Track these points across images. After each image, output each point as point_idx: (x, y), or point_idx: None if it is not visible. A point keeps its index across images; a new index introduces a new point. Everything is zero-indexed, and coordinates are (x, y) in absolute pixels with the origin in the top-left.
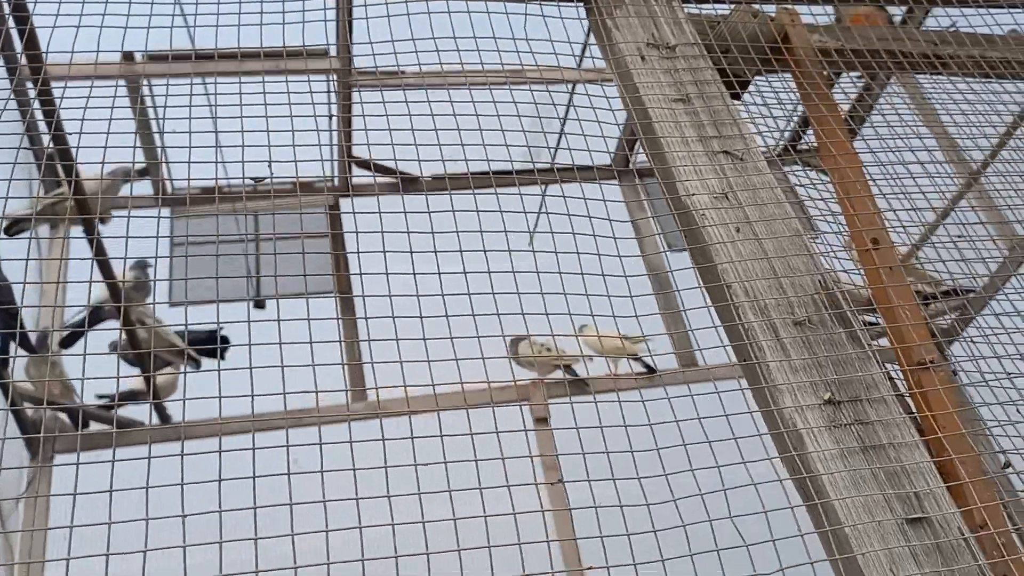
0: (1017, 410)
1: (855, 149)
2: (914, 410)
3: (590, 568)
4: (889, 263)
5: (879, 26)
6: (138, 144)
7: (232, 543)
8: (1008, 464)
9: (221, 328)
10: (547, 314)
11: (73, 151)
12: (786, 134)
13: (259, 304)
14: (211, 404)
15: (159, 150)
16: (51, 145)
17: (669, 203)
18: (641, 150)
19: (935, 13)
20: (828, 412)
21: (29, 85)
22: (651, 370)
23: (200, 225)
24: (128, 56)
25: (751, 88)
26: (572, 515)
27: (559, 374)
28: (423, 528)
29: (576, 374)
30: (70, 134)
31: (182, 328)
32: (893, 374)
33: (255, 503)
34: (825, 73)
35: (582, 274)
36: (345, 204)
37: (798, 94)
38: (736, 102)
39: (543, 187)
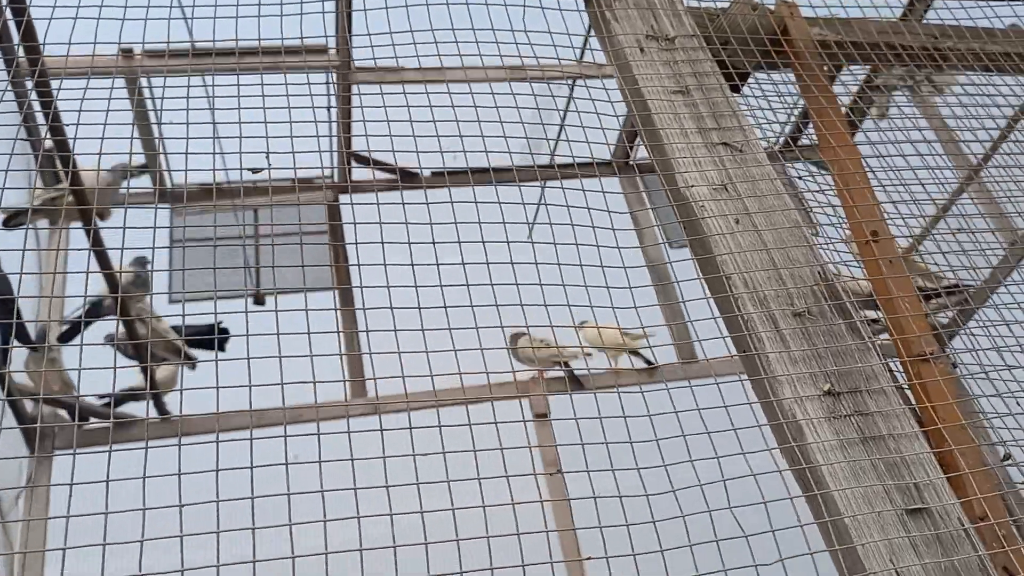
0: (1017, 402)
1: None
2: (913, 402)
3: (588, 558)
4: (889, 255)
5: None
6: (137, 138)
7: (230, 534)
8: (1008, 456)
9: (220, 322)
10: (546, 305)
11: (72, 144)
12: (786, 129)
13: (258, 300)
14: (209, 397)
15: (158, 145)
16: (47, 135)
17: (668, 195)
18: (641, 144)
19: (936, 6)
20: (828, 403)
21: (27, 80)
22: (651, 365)
23: (199, 221)
24: (126, 51)
25: (751, 82)
26: (571, 507)
27: (559, 369)
28: (421, 519)
29: (574, 374)
30: (67, 125)
31: (180, 323)
32: (893, 367)
33: (252, 493)
34: (825, 68)
35: (580, 264)
36: (345, 200)
37: (798, 87)
38: (735, 95)
39: (542, 182)
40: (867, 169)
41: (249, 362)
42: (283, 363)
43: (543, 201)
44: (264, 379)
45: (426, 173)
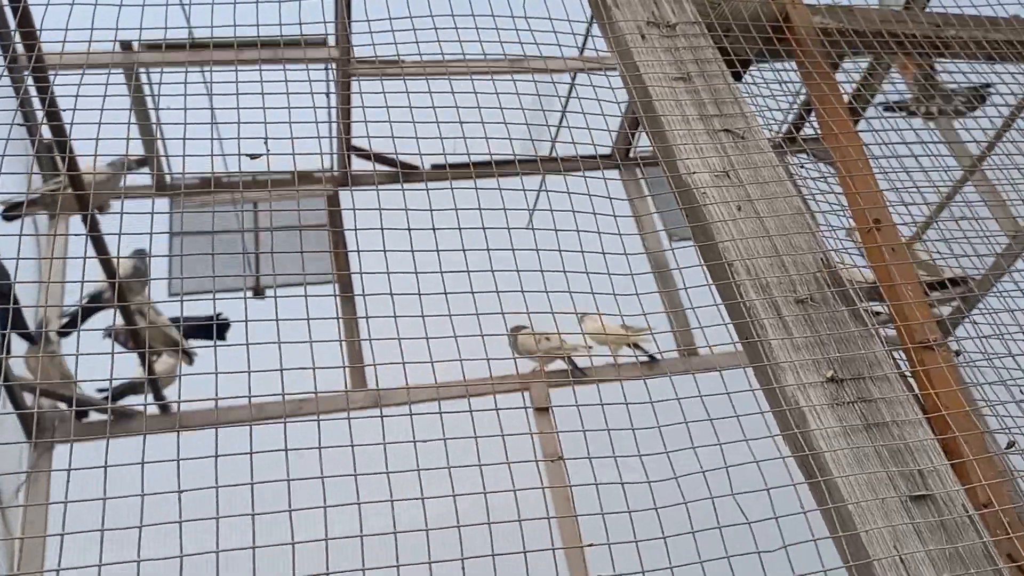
0: (1021, 390)
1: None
2: (916, 389)
3: (590, 544)
4: (892, 242)
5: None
6: (135, 135)
7: (229, 522)
8: (1013, 443)
9: (220, 313)
10: (547, 291)
11: (70, 138)
12: (787, 122)
13: (258, 293)
14: (209, 385)
15: (156, 138)
16: (44, 121)
17: (670, 181)
18: (643, 136)
19: None
20: (831, 390)
21: (25, 72)
22: (652, 359)
23: (199, 215)
24: (125, 44)
25: (753, 71)
26: (573, 493)
27: (559, 363)
28: (422, 504)
29: (576, 365)
30: (65, 111)
31: (190, 316)
32: (896, 358)
33: (252, 479)
34: (828, 58)
35: (581, 250)
36: (344, 193)
37: (799, 74)
38: (737, 82)
39: (542, 176)
40: (870, 157)
41: (248, 349)
42: (283, 353)
43: (543, 187)
44: (263, 368)
45: (426, 166)
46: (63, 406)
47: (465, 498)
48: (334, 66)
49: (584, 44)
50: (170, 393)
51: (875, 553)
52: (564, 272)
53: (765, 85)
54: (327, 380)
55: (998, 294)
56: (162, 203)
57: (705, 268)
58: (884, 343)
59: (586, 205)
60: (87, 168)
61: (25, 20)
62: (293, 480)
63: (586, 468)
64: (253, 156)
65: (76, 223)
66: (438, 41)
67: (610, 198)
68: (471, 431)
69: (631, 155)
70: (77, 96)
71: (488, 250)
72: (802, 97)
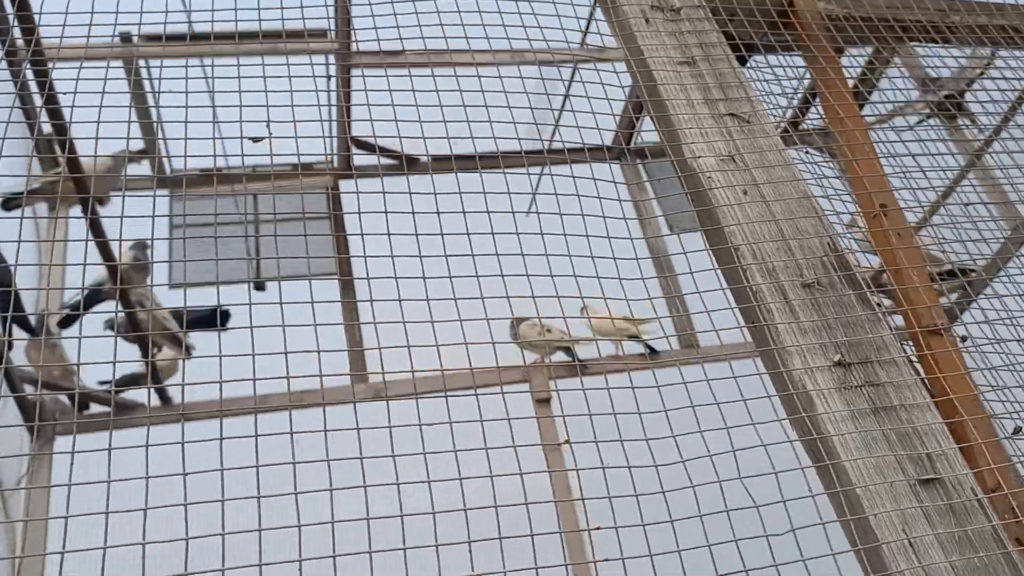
0: None
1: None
2: (923, 374)
3: (597, 528)
4: (898, 227)
5: None
6: (135, 126)
7: (235, 504)
8: (1019, 429)
9: (222, 306)
10: (552, 276)
11: (70, 128)
12: (793, 103)
13: (259, 286)
14: (212, 375)
15: (157, 130)
16: (42, 109)
17: (675, 165)
18: (642, 130)
19: None
20: (838, 374)
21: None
22: (653, 350)
23: (199, 206)
24: (125, 36)
25: (757, 58)
26: (579, 478)
27: (561, 355)
28: (428, 488)
29: (578, 356)
30: (65, 104)
31: (180, 308)
32: (903, 343)
33: (257, 462)
34: (833, 42)
35: (585, 236)
36: (345, 184)
37: (804, 59)
38: (741, 66)
39: (542, 167)
40: (875, 141)
41: (252, 332)
42: (285, 341)
43: (545, 172)
44: (266, 360)
45: (427, 157)
46: (64, 399)
47: (470, 485)
48: (334, 57)
49: (585, 33)
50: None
51: (884, 537)
52: (569, 263)
53: (770, 71)
54: (329, 368)
55: (1005, 279)
56: (162, 195)
57: (711, 252)
58: (892, 328)
59: (587, 195)
60: (87, 161)
61: (24, 8)
62: (299, 463)
63: (592, 453)
64: (255, 139)
65: (76, 220)
66: (442, 26)
67: (615, 188)
68: (475, 394)
69: (631, 145)
70: (76, 89)
71: (492, 233)
72: (804, 88)
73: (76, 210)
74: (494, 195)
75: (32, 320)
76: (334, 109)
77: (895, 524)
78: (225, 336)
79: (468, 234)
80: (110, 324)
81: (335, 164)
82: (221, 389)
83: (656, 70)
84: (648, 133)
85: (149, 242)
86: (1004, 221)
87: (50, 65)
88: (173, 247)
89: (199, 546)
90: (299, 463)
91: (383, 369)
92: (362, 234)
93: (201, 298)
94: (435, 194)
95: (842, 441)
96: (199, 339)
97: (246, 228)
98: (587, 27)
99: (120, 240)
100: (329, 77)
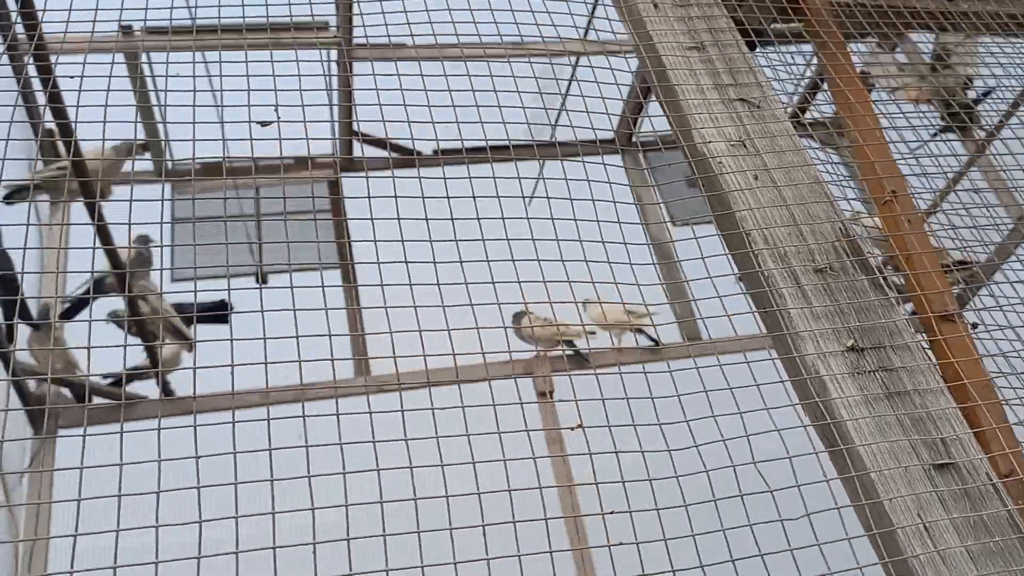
0: None
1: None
2: (935, 359)
3: (611, 512)
4: (909, 212)
5: None
6: (138, 121)
7: (248, 487)
8: None
9: (226, 298)
10: (567, 264)
11: (72, 123)
12: (798, 92)
13: (262, 280)
14: (217, 371)
15: (159, 124)
16: (48, 104)
17: (686, 151)
18: (644, 123)
19: None
20: (851, 359)
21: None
22: (656, 343)
23: (200, 201)
24: (126, 28)
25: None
26: (593, 462)
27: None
28: (442, 472)
29: (578, 349)
30: (69, 101)
31: (183, 302)
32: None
33: (269, 445)
34: (842, 27)
35: (602, 230)
36: (347, 179)
37: (813, 44)
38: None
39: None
40: (884, 127)
41: (263, 316)
42: (281, 332)
43: (546, 182)
44: (272, 349)
45: (430, 150)
46: (67, 391)
47: (480, 473)
48: (337, 50)
49: (588, 25)
50: (174, 379)
51: (899, 521)
52: (572, 255)
53: (778, 56)
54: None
55: (1018, 264)
56: (164, 190)
57: (722, 239)
58: (905, 311)
59: (591, 189)
60: (89, 152)
61: (27, 4)
62: (312, 446)
63: (604, 440)
64: (264, 123)
65: (77, 208)
66: (454, 26)
67: (622, 179)
68: (488, 380)
69: (633, 139)
70: (80, 84)
71: (502, 218)
72: (808, 79)
73: (77, 204)
74: (491, 191)
75: (34, 313)
76: (336, 101)
77: (910, 509)
78: (228, 328)
79: (478, 219)
80: (114, 315)
81: (337, 153)
82: (232, 372)
83: (665, 55)
84: (652, 124)
85: (151, 237)
86: (1008, 209)
87: (53, 59)
88: (176, 240)
89: (211, 532)
90: (312, 446)
91: (394, 354)
92: (372, 218)
93: (204, 293)
94: (444, 194)
95: (856, 426)
96: (202, 332)
97: (249, 224)
98: (590, 20)
99: (129, 224)
100: (330, 76)
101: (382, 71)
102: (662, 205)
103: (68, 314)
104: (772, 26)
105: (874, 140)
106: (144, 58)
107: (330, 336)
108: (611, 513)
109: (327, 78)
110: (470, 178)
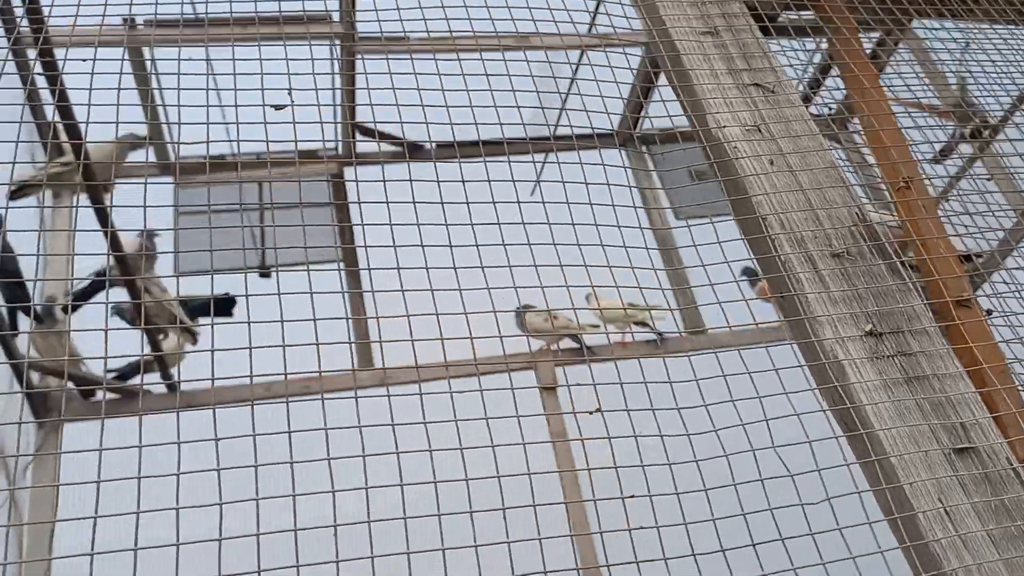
0: None
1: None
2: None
3: (631, 496)
4: (923, 198)
5: None
6: (140, 113)
7: (269, 472)
8: None
9: (227, 293)
10: (561, 264)
11: (76, 116)
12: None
13: (264, 274)
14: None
15: (161, 117)
16: (53, 101)
17: (700, 136)
18: (648, 114)
19: None
20: (870, 344)
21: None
22: (660, 336)
23: (203, 193)
24: (129, 22)
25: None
26: (612, 447)
27: (567, 342)
28: (461, 455)
29: (583, 344)
30: (72, 92)
31: (186, 296)
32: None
33: (288, 427)
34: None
35: (594, 222)
36: (349, 172)
37: (827, 29)
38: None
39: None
40: (896, 113)
41: (281, 299)
42: (289, 332)
43: (552, 175)
44: (266, 351)
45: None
46: (71, 386)
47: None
48: (338, 42)
49: (594, 18)
50: (178, 373)
51: (920, 506)
52: (576, 248)
53: (792, 38)
54: (336, 355)
55: None
56: (167, 182)
57: (738, 223)
58: (922, 295)
59: (595, 180)
60: (94, 147)
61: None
62: (331, 429)
63: (624, 425)
64: (278, 107)
65: (80, 202)
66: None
67: (621, 174)
68: (482, 408)
69: (637, 133)
70: (87, 79)
71: (499, 213)
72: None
73: (82, 199)
74: (502, 188)
75: (37, 308)
76: (339, 94)
77: (931, 493)
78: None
79: (494, 204)
80: (117, 310)
81: (339, 150)
82: (251, 354)
83: (679, 40)
84: (656, 119)
85: (155, 231)
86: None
87: (58, 54)
88: (178, 234)
89: (229, 522)
90: (331, 428)
91: (411, 338)
92: (362, 224)
93: (206, 286)
94: (439, 181)
95: (875, 411)
96: (208, 327)
97: (246, 217)
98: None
99: (141, 207)
100: (334, 73)
101: (387, 64)
102: (666, 204)
103: (72, 308)
104: (784, 13)
105: (889, 125)
106: (147, 58)
107: (347, 319)
108: (631, 497)
109: (332, 73)
110: (484, 162)
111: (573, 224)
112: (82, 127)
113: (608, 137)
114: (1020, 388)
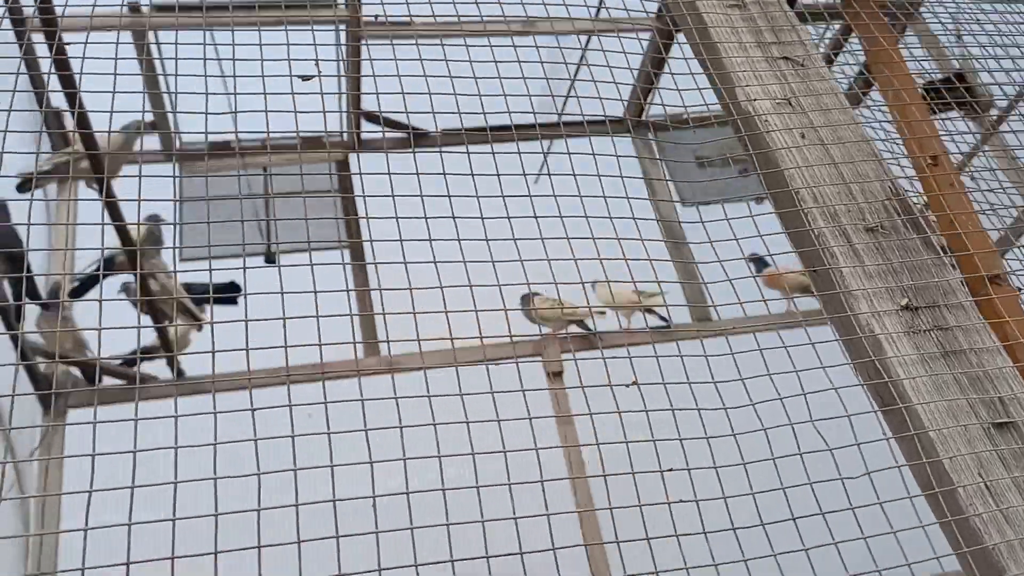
0: None
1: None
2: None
3: (670, 470)
4: (950, 175)
5: None
6: (146, 99)
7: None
8: None
9: (232, 281)
10: (573, 254)
11: (82, 103)
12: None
13: (270, 260)
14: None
15: (167, 102)
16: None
17: (731, 107)
18: (656, 101)
19: None
20: (906, 318)
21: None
22: (667, 324)
23: (210, 180)
24: (133, 6)
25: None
26: (650, 420)
27: (575, 329)
28: (472, 460)
29: (589, 329)
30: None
31: (193, 282)
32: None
33: (324, 399)
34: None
35: (605, 206)
36: (355, 158)
37: (846, 15)
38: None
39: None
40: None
41: (283, 295)
42: (292, 321)
43: (555, 165)
44: (272, 339)
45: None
46: (76, 371)
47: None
48: (343, 27)
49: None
50: (184, 359)
51: (960, 480)
52: (582, 236)
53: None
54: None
55: None
56: (171, 168)
57: (770, 197)
58: (959, 271)
59: (603, 168)
60: (99, 135)
61: None
62: (334, 433)
63: (661, 397)
64: (305, 78)
65: (87, 193)
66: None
67: (669, 161)
68: (488, 393)
69: (643, 119)
70: (86, 60)
71: (506, 209)
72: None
73: (90, 191)
74: (506, 168)
75: (44, 293)
76: (345, 81)
77: (971, 468)
78: (238, 309)
79: (503, 198)
80: (125, 289)
81: (345, 137)
82: (286, 334)
83: (706, 12)
84: (659, 107)
85: (162, 216)
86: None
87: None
88: (183, 219)
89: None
90: (371, 430)
91: (418, 333)
92: (367, 217)
93: (214, 273)
94: (446, 182)
95: (913, 385)
96: (214, 313)
97: (248, 203)
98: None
99: (142, 198)
100: (339, 61)
101: (394, 50)
102: (674, 194)
103: (78, 293)
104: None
105: (916, 100)
106: (153, 42)
107: (351, 316)
108: (670, 471)
109: (338, 58)
110: (493, 153)
111: (583, 209)
112: (88, 114)
113: (618, 122)
114: None
